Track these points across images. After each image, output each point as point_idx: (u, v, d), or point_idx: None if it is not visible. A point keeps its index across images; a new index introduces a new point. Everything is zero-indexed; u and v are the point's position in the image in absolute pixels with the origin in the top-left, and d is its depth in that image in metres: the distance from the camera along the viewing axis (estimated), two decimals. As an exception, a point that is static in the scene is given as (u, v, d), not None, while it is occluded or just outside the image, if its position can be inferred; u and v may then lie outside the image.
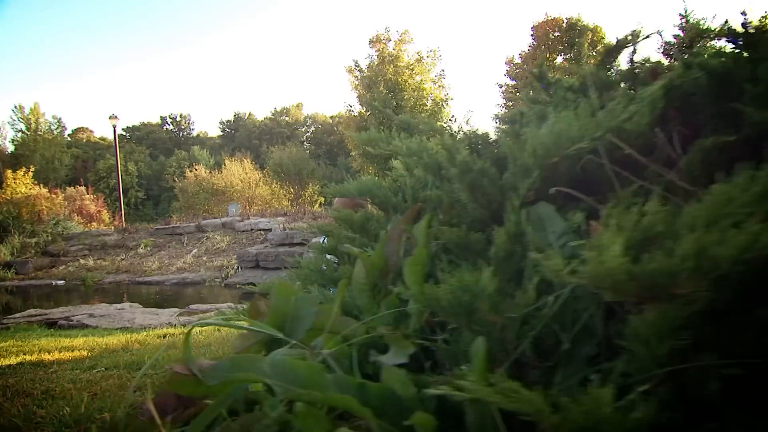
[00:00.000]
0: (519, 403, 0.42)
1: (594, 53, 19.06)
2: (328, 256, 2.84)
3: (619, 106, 0.82)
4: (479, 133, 1.26)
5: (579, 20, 20.30)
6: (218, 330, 3.52)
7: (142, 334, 3.58)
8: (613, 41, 1.16)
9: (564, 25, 20.50)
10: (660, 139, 0.92)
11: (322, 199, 24.61)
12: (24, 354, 2.58)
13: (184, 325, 4.39)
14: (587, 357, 0.70)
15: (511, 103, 20.95)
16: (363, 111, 19.98)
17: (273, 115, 47.27)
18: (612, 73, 1.16)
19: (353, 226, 1.33)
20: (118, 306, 6.36)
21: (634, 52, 1.00)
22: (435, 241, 1.05)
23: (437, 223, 0.90)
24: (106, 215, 18.76)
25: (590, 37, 19.61)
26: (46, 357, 2.40)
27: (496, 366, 0.71)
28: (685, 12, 1.12)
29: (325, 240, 3.01)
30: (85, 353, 2.54)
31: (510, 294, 0.74)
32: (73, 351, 2.62)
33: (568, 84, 1.26)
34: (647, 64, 1.10)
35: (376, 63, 19.76)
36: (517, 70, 20.97)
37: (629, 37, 1.13)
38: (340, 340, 0.89)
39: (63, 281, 11.84)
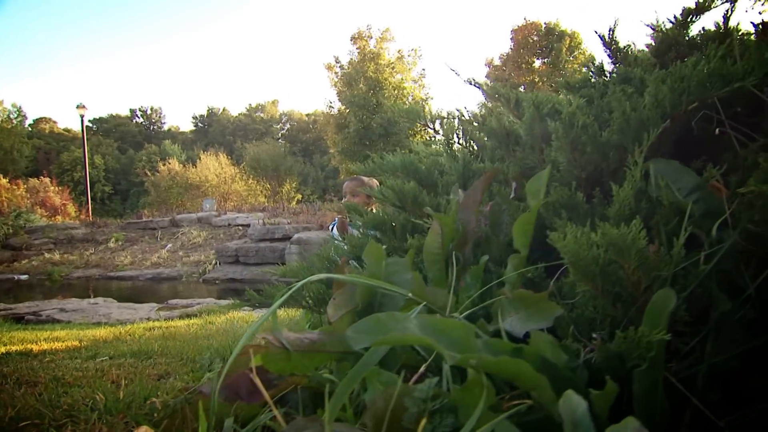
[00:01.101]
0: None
1: (571, 57, 19.47)
2: (334, 235, 2.74)
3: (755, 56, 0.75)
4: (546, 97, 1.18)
5: (557, 25, 20.70)
6: (210, 324, 3.37)
7: (126, 327, 3.38)
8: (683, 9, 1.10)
9: (542, 29, 20.87)
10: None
11: (299, 197, 24.31)
12: (4, 344, 2.36)
13: (167, 319, 4.18)
14: (746, 322, 0.62)
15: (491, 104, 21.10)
16: (342, 108, 19.76)
17: (248, 111, 46.34)
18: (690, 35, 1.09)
19: (404, 197, 1.23)
20: (92, 300, 6.02)
21: (731, 10, 0.94)
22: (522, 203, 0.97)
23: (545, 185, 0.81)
24: (71, 208, 17.94)
25: (568, 42, 20.01)
26: (34, 347, 2.21)
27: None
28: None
29: (334, 229, 2.91)
30: (77, 344, 2.34)
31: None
32: (60, 342, 2.42)
33: (634, 50, 1.19)
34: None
35: (357, 60, 19.59)
36: (497, 72, 21.21)
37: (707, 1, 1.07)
38: (424, 310, 0.79)
39: (26, 276, 11.22)
